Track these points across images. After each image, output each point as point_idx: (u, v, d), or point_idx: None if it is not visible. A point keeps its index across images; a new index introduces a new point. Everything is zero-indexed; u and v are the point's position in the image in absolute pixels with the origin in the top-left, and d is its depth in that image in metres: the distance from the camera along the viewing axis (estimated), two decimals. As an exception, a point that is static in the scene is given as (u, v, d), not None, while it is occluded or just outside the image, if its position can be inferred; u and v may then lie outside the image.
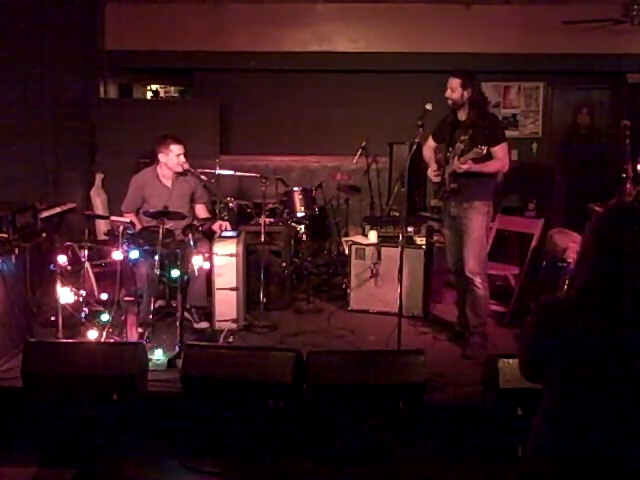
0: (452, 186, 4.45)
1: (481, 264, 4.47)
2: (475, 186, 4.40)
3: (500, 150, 4.35)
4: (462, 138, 4.39)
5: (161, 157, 5.08)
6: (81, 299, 4.62)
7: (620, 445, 1.79)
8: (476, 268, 4.43)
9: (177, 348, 4.30)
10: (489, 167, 4.35)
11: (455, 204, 4.50)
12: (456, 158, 4.36)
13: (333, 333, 4.98)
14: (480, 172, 4.33)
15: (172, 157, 5.04)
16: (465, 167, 4.27)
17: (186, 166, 5.10)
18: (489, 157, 4.31)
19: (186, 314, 4.90)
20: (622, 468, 1.80)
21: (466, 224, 4.45)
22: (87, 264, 4.77)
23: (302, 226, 6.26)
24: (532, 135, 8.46)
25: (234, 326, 4.83)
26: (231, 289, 4.86)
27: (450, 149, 4.48)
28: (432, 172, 4.60)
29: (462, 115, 4.46)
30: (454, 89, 4.39)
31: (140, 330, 4.47)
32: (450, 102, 4.44)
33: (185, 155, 5.09)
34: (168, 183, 5.15)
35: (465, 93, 4.37)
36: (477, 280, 4.44)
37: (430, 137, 4.75)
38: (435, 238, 5.87)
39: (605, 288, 1.83)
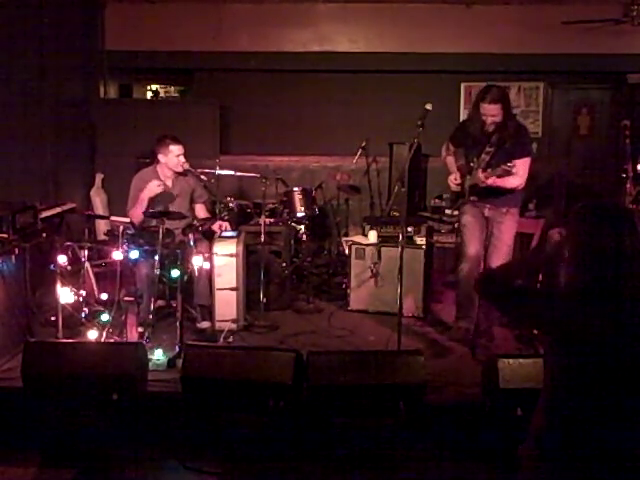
0: (472, 198, 4.43)
1: None
2: (511, 192, 4.38)
3: (522, 165, 4.29)
4: (488, 150, 4.35)
5: (161, 158, 5.07)
6: (81, 299, 4.62)
7: (620, 431, 1.87)
8: None
9: (177, 348, 4.30)
10: (509, 184, 4.31)
11: (491, 207, 4.46)
12: (479, 170, 4.31)
13: (333, 333, 4.98)
14: (500, 188, 4.30)
15: (172, 157, 5.04)
16: (489, 182, 4.25)
17: (186, 166, 5.10)
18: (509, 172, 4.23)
19: (192, 311, 4.91)
20: (623, 455, 1.87)
21: (501, 229, 4.44)
22: (87, 264, 4.77)
23: (302, 226, 6.26)
24: (532, 135, 8.41)
25: (234, 326, 4.83)
26: (231, 289, 4.86)
27: (475, 160, 4.43)
28: (453, 181, 4.54)
29: (492, 127, 4.38)
30: (496, 115, 4.32)
31: (140, 330, 4.47)
32: (492, 126, 4.34)
33: (185, 155, 5.08)
34: (168, 183, 5.14)
35: (505, 114, 4.33)
36: None
37: (448, 141, 4.70)
38: (435, 238, 5.88)
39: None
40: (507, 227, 4.44)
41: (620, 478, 1.88)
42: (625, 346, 1.86)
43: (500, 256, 4.40)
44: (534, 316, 1.99)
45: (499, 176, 4.20)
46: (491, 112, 4.32)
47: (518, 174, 4.27)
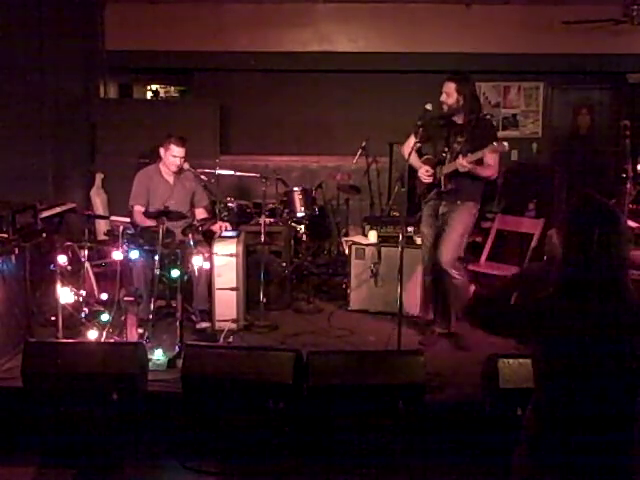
0: (449, 187, 4.46)
1: (455, 257, 4.47)
2: (470, 187, 4.44)
3: (491, 156, 4.34)
4: (459, 140, 4.40)
5: (162, 152, 5.14)
6: (81, 299, 4.63)
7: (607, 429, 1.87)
8: (452, 260, 4.44)
9: (177, 348, 4.30)
10: (483, 172, 4.39)
11: (446, 203, 4.53)
12: (461, 158, 4.30)
13: (333, 333, 4.98)
14: (475, 174, 4.37)
15: (169, 156, 5.11)
16: (469, 166, 4.28)
17: (186, 166, 5.13)
18: (481, 162, 4.33)
19: (192, 316, 4.92)
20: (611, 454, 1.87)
21: (453, 218, 4.49)
22: (87, 264, 4.77)
23: (302, 226, 6.26)
24: (532, 135, 8.46)
25: (234, 326, 4.83)
26: (231, 289, 4.86)
27: (446, 150, 4.48)
28: (425, 173, 4.55)
29: (458, 118, 4.45)
30: (449, 94, 4.38)
31: (140, 330, 4.48)
32: (445, 107, 4.42)
33: (185, 156, 5.11)
34: (170, 179, 5.19)
35: (460, 98, 4.36)
36: (454, 272, 4.45)
37: (412, 135, 4.61)
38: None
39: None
40: (460, 217, 4.47)
41: None
42: (609, 345, 1.84)
43: (448, 243, 4.45)
44: (524, 327, 1.96)
45: (477, 162, 4.28)
46: (445, 89, 4.41)
47: (489, 164, 4.36)
